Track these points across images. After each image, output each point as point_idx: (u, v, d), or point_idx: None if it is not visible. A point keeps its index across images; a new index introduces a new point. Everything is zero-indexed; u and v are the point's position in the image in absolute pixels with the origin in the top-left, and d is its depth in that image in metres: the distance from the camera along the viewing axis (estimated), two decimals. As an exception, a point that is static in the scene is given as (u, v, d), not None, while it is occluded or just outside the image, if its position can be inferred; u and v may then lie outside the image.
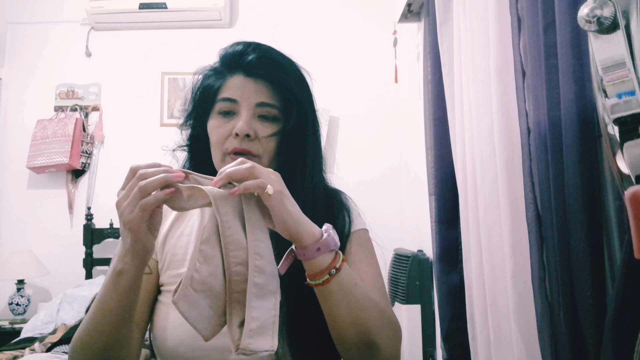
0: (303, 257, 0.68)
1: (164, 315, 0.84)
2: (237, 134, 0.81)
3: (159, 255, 0.89)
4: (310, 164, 0.86)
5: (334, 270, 0.68)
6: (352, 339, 0.72)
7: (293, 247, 0.70)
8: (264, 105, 0.84)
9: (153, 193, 0.63)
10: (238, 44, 0.88)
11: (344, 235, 0.88)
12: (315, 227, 0.69)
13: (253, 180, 0.64)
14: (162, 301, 0.86)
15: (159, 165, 0.65)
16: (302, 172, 0.84)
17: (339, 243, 0.71)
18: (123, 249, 0.67)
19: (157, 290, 0.88)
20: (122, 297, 0.69)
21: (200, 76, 0.91)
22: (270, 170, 0.68)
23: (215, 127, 0.84)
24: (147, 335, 0.88)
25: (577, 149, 0.94)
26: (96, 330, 0.71)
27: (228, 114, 0.84)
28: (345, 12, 2.99)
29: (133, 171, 0.65)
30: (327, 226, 0.71)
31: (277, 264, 0.68)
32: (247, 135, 0.81)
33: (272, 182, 0.65)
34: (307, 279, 0.70)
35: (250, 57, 0.84)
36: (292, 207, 0.67)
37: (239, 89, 0.84)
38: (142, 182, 0.62)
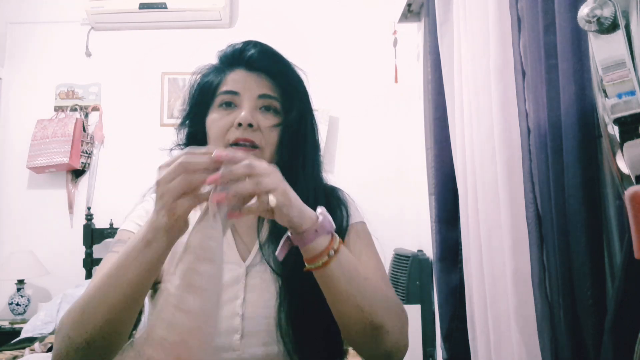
0: (300, 242, 0.67)
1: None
2: (239, 124, 0.81)
3: None
4: (310, 158, 0.87)
5: (332, 251, 0.68)
6: (358, 323, 0.71)
7: (289, 234, 0.69)
8: (266, 97, 0.84)
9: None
10: (236, 43, 0.89)
11: (342, 229, 0.88)
12: (311, 210, 0.69)
13: (254, 199, 0.63)
14: (157, 299, 0.86)
15: (205, 153, 0.63)
16: (303, 164, 0.85)
17: (334, 225, 0.70)
18: (153, 225, 0.64)
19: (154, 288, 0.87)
20: (142, 271, 0.65)
21: (199, 76, 0.91)
22: (268, 168, 0.65)
23: (216, 119, 0.84)
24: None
25: (577, 149, 0.94)
26: (104, 302, 0.66)
27: (229, 105, 0.85)
28: (345, 12, 2.99)
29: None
30: (321, 209, 0.70)
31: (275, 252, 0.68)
32: (250, 125, 0.81)
33: (274, 188, 0.63)
34: (306, 265, 0.69)
35: (251, 52, 0.85)
36: (295, 201, 0.66)
37: (241, 82, 0.85)
38: (190, 177, 0.61)
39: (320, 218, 0.68)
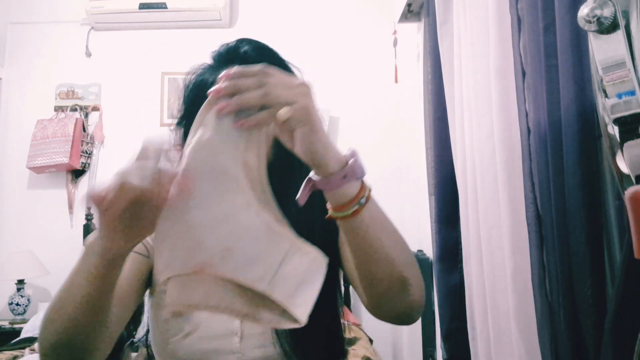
0: (327, 187, 0.59)
1: (162, 321, 0.83)
2: None
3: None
4: None
5: (363, 199, 0.60)
6: (387, 277, 0.66)
7: (312, 175, 0.61)
8: None
9: None
10: (230, 42, 0.88)
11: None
12: (339, 151, 0.60)
13: (264, 111, 0.53)
14: (162, 305, 0.84)
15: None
16: (300, 162, 0.85)
17: (366, 170, 0.62)
18: (106, 254, 0.57)
19: (149, 282, 0.85)
20: (97, 276, 0.58)
21: (193, 75, 0.91)
22: (289, 79, 0.56)
23: None
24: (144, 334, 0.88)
25: (577, 149, 0.94)
26: (61, 306, 0.62)
27: None
28: (345, 12, 2.99)
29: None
30: (352, 150, 0.61)
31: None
32: None
33: (291, 101, 0.53)
34: (332, 212, 0.62)
35: (245, 48, 0.84)
36: (320, 128, 0.57)
37: None
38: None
39: (351, 161, 0.59)
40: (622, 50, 0.58)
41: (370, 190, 0.62)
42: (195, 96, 0.89)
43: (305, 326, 0.81)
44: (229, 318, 0.80)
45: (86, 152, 2.87)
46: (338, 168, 0.58)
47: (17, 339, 2.25)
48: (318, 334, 0.81)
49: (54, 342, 0.63)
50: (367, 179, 0.64)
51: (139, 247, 0.82)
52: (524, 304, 1.15)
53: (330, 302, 0.86)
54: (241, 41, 0.87)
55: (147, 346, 0.88)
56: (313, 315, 0.79)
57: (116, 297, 0.71)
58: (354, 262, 0.67)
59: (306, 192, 0.61)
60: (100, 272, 0.58)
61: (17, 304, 2.65)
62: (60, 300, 0.62)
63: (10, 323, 2.60)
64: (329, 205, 0.62)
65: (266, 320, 0.53)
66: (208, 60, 0.90)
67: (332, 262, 0.85)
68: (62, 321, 0.62)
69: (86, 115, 2.94)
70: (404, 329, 2.45)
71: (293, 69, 0.90)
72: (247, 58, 0.84)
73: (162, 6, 2.80)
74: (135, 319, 1.71)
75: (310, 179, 0.61)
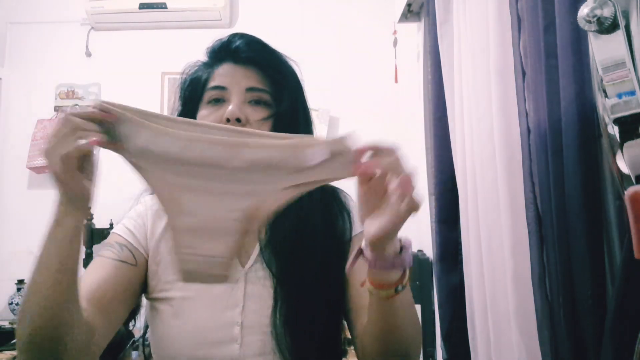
0: (373, 266, 0.62)
1: (162, 324, 0.83)
2: (227, 119, 0.78)
3: (151, 255, 0.86)
4: None
5: (400, 287, 0.63)
6: (390, 353, 0.71)
7: (363, 246, 0.62)
8: (255, 90, 0.82)
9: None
10: (223, 37, 0.88)
11: (344, 240, 0.86)
12: (398, 238, 0.63)
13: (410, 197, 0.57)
14: (160, 309, 0.84)
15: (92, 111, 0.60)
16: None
17: (412, 262, 0.64)
18: (59, 199, 0.66)
19: (142, 288, 0.85)
20: (60, 250, 0.64)
21: (188, 73, 0.91)
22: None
23: (205, 116, 0.82)
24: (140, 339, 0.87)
25: (577, 149, 0.94)
26: (35, 294, 0.63)
27: (218, 101, 0.83)
28: (345, 12, 2.99)
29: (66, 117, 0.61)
30: (406, 241, 0.64)
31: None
32: (238, 120, 0.79)
33: (418, 194, 0.58)
34: (369, 286, 0.64)
35: (237, 43, 0.84)
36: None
37: (228, 76, 0.83)
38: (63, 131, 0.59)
39: (404, 252, 0.62)
40: (622, 50, 0.58)
41: (409, 279, 0.65)
42: (190, 92, 0.89)
43: (303, 335, 0.80)
44: (229, 324, 0.81)
45: (86, 152, 2.86)
46: (392, 253, 0.61)
47: (17, 339, 2.25)
48: (317, 342, 0.81)
49: (29, 333, 0.62)
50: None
51: (126, 256, 0.82)
52: (524, 304, 1.15)
53: (332, 309, 0.85)
54: (234, 36, 0.86)
55: (146, 345, 0.88)
56: (312, 323, 0.79)
57: (99, 305, 0.72)
58: (372, 330, 0.70)
59: (355, 262, 0.63)
60: (61, 241, 0.64)
61: (17, 304, 2.64)
62: (30, 286, 0.63)
63: (10, 323, 2.59)
64: (368, 276, 0.64)
65: None
66: (202, 57, 0.90)
67: (337, 270, 0.84)
68: (34, 307, 0.62)
69: (86, 115, 2.93)
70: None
71: (290, 62, 0.89)
72: (239, 54, 0.84)
73: (162, 6, 2.80)
74: (136, 319, 1.71)
75: (361, 250, 0.63)
